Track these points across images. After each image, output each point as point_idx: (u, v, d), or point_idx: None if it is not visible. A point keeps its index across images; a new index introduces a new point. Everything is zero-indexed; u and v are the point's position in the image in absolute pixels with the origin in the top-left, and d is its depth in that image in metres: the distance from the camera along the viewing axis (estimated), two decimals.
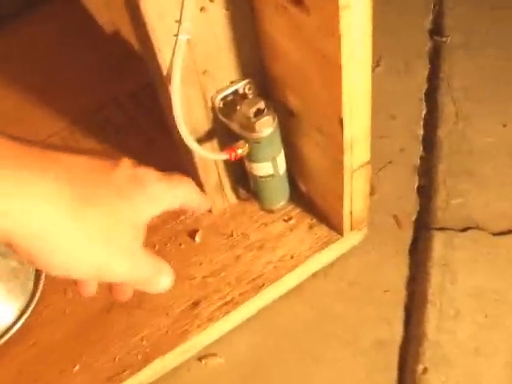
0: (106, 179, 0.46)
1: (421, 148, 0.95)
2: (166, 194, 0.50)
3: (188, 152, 0.77)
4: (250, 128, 0.71)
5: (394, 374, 0.77)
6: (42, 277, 0.83)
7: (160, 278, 0.52)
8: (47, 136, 0.98)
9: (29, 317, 0.81)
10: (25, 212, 0.41)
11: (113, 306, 0.80)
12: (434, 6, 1.12)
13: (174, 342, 0.77)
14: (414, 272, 0.84)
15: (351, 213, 0.78)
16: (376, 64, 1.04)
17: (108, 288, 0.54)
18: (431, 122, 0.97)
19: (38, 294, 0.82)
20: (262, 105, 0.71)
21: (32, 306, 0.81)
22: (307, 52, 0.62)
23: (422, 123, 0.97)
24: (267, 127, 0.71)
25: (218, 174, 0.81)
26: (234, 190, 0.85)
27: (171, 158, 0.89)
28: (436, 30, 1.08)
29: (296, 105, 0.72)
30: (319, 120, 0.70)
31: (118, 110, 1.00)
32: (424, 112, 0.99)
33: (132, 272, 0.49)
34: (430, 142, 0.95)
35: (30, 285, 0.83)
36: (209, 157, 0.73)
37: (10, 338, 0.79)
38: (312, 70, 0.64)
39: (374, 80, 1.03)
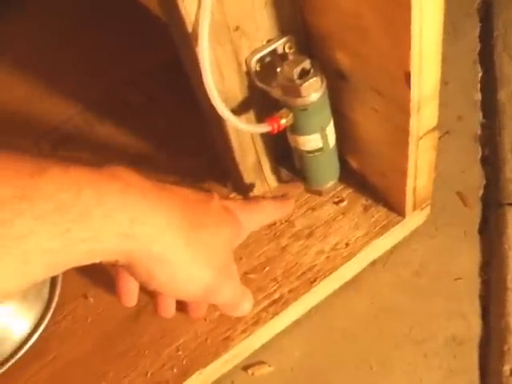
0: (207, 209, 0.53)
1: (480, 115, 0.83)
2: (252, 221, 0.60)
3: (220, 128, 0.66)
4: (295, 92, 0.60)
5: (475, 376, 0.66)
6: (59, 281, 0.72)
7: (245, 302, 0.60)
8: (60, 123, 0.87)
9: (46, 328, 0.69)
10: (149, 236, 0.46)
11: (142, 312, 0.69)
12: None
13: (214, 352, 0.65)
14: (487, 256, 0.72)
15: (415, 189, 0.67)
16: None
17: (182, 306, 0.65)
18: (489, 86, 0.85)
19: (54, 302, 0.71)
20: (307, 64, 0.60)
21: (49, 315, 0.70)
22: None
23: (478, 87, 0.85)
24: (315, 90, 0.60)
25: (256, 152, 0.70)
26: (274, 171, 0.73)
27: (199, 139, 0.79)
28: None
29: (348, 64, 0.61)
30: (378, 79, 0.58)
31: (135, 91, 0.89)
32: (480, 75, 0.87)
33: (232, 294, 0.57)
34: (490, 108, 0.83)
35: (46, 291, 0.72)
36: (247, 129, 0.62)
37: (26, 352, 0.68)
38: (370, 17, 0.52)
39: None
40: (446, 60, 0.88)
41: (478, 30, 0.91)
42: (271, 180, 0.74)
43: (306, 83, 0.59)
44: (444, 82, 0.86)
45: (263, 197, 0.64)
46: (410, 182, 0.65)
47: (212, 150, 0.73)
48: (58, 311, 0.71)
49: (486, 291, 0.70)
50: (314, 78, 0.59)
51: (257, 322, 0.66)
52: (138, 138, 0.83)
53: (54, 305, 0.71)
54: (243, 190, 0.73)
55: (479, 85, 0.86)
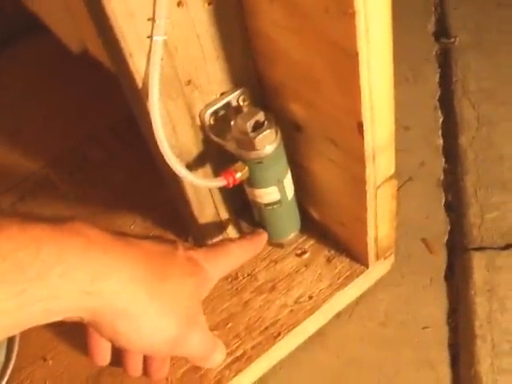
0: (171, 261, 0.52)
1: (443, 160, 0.83)
2: (219, 267, 0.58)
3: (177, 183, 0.65)
4: (249, 145, 0.59)
5: None
6: (16, 344, 0.69)
7: (216, 353, 0.58)
8: (21, 179, 0.86)
9: None
10: (112, 292, 0.45)
11: (102, 373, 0.67)
12: (435, 8, 1.02)
13: None
14: (454, 303, 0.71)
15: (376, 238, 0.66)
16: None
17: (144, 367, 0.62)
18: (451, 130, 0.86)
19: (11, 366, 0.68)
20: (261, 116, 0.59)
21: (4, 380, 0.67)
22: (314, 45, 0.51)
23: (440, 132, 0.86)
24: (269, 143, 0.59)
25: (215, 205, 0.69)
26: (234, 222, 0.72)
27: (158, 193, 0.78)
28: (441, 32, 0.98)
29: (302, 115, 0.61)
30: (333, 129, 0.58)
31: (96, 147, 0.88)
32: (441, 120, 0.87)
33: (201, 344, 0.55)
34: (452, 153, 0.83)
35: (2, 354, 0.69)
36: (202, 185, 0.61)
37: None
38: (320, 67, 0.52)
39: None
40: (406, 106, 0.90)
41: (438, 76, 0.92)
42: (231, 233, 0.72)
43: (260, 136, 0.58)
44: (405, 128, 0.86)
45: (230, 239, 0.62)
46: (370, 232, 0.64)
47: (171, 204, 0.72)
48: (15, 375, 0.68)
49: (455, 339, 0.69)
50: (268, 131, 0.59)
51: (220, 380, 0.64)
52: (98, 193, 0.82)
53: (10, 369, 0.67)
54: (204, 243, 0.72)
55: (440, 130, 0.86)
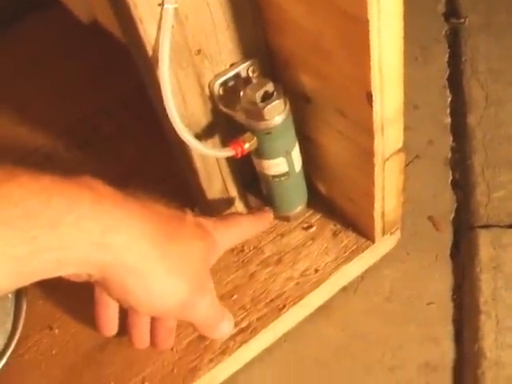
0: (180, 224, 0.52)
1: (451, 138, 0.83)
2: (227, 238, 0.58)
3: (185, 153, 0.65)
4: (258, 116, 0.59)
5: None
6: (23, 313, 0.70)
7: (224, 324, 0.58)
8: (30, 152, 0.86)
9: (8, 361, 0.67)
10: (122, 246, 0.45)
11: (108, 343, 0.67)
12: None
13: (181, 382, 0.63)
14: (459, 279, 0.71)
15: (383, 213, 0.66)
16: None
17: (150, 337, 0.62)
18: (459, 109, 0.85)
19: (17, 334, 0.68)
20: (270, 87, 0.59)
21: (11, 347, 0.67)
22: (323, 13, 0.50)
23: (448, 111, 0.85)
24: (278, 113, 0.59)
25: (223, 178, 0.69)
26: (241, 197, 0.72)
27: (167, 165, 0.78)
28: (451, 13, 0.97)
29: (312, 86, 0.60)
30: (341, 100, 0.58)
31: (105, 119, 0.88)
32: (449, 99, 0.87)
33: (209, 310, 0.55)
34: (460, 131, 0.83)
35: (9, 323, 0.69)
36: (210, 154, 0.61)
37: None
38: (330, 36, 0.52)
39: None
40: (415, 84, 0.89)
41: (447, 56, 0.92)
42: (239, 206, 0.72)
43: (269, 106, 0.58)
44: (414, 107, 0.86)
45: (239, 213, 0.63)
46: (377, 206, 0.64)
47: (180, 177, 0.72)
48: (22, 343, 0.69)
49: (459, 315, 0.69)
50: (277, 101, 0.59)
51: (224, 351, 0.65)
52: (106, 165, 0.82)
53: (16, 337, 0.68)
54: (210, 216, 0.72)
55: (449, 109, 0.86)
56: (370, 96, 0.53)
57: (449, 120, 0.85)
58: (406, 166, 0.80)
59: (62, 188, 0.43)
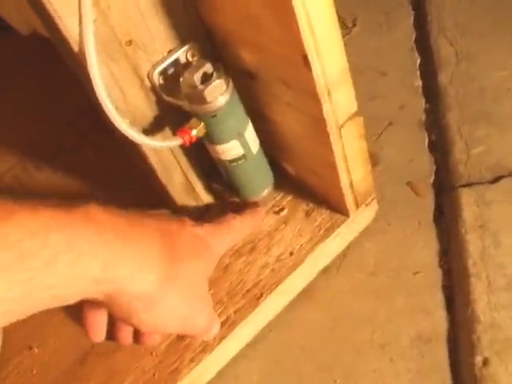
0: (181, 241, 0.52)
1: (423, 101, 0.79)
2: (223, 244, 0.60)
3: (137, 151, 0.62)
4: (200, 99, 0.57)
5: (446, 374, 0.60)
6: (0, 336, 0.68)
7: (213, 327, 0.59)
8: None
9: None
10: (124, 278, 0.45)
11: (87, 355, 0.65)
12: None
13: None
14: (445, 244, 0.67)
15: (351, 184, 0.63)
16: (352, 24, 0.89)
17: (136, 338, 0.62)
18: (429, 70, 0.82)
19: None
20: (208, 68, 0.57)
21: None
22: None
23: (418, 74, 0.82)
24: (221, 93, 0.57)
25: (182, 171, 0.66)
26: (206, 188, 0.69)
27: (133, 173, 0.76)
28: None
29: (252, 61, 0.58)
30: (282, 70, 0.55)
31: (69, 132, 0.86)
32: (418, 61, 0.83)
33: (207, 322, 0.56)
34: (432, 92, 0.79)
35: None
36: (157, 146, 0.58)
37: None
38: (256, 2, 0.50)
39: (354, 41, 0.90)
40: (382, 52, 0.86)
41: (412, 18, 0.88)
42: (206, 197, 0.70)
43: (209, 87, 0.56)
44: (382, 74, 0.82)
45: (232, 215, 0.61)
46: (343, 177, 0.61)
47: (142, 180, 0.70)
48: (3, 368, 0.67)
49: (448, 281, 0.65)
50: (218, 81, 0.56)
51: (204, 349, 0.62)
52: (74, 178, 0.80)
53: None
54: (181, 213, 0.69)
55: (418, 71, 0.82)
56: (306, 59, 0.50)
57: (419, 82, 0.81)
58: (379, 135, 0.77)
59: (61, 223, 0.42)
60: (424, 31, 0.86)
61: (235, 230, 0.62)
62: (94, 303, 0.57)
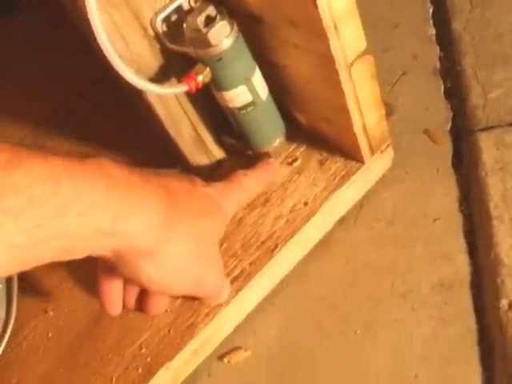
0: (191, 200, 0.51)
1: (437, 48, 0.77)
2: (234, 203, 0.58)
3: (146, 104, 0.61)
4: (204, 43, 0.55)
5: (471, 319, 0.58)
6: (14, 300, 0.67)
7: (224, 290, 0.59)
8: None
9: (5, 350, 0.64)
10: (135, 232, 0.44)
11: (102, 315, 0.64)
12: None
13: (179, 342, 0.59)
14: (465, 189, 0.65)
15: (365, 128, 0.61)
16: None
17: (141, 305, 0.59)
18: (442, 18, 0.79)
19: (11, 322, 0.65)
20: (211, 10, 0.55)
21: (6, 337, 0.65)
22: None
23: (431, 22, 0.79)
24: (225, 36, 0.55)
25: (192, 124, 0.65)
26: (217, 141, 0.68)
27: (143, 136, 0.75)
28: None
29: (257, 2, 0.56)
30: (288, 7, 0.53)
31: (81, 101, 0.85)
32: (431, 10, 0.81)
33: (217, 284, 0.56)
34: (446, 40, 0.77)
35: (2, 312, 0.67)
36: (162, 92, 0.57)
37: None
38: None
39: None
40: (394, 3, 0.84)
41: None
42: (217, 152, 0.68)
43: (213, 29, 0.54)
44: (394, 26, 0.80)
45: (243, 172, 0.60)
46: (356, 120, 0.59)
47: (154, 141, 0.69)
48: (19, 332, 0.66)
49: (470, 226, 0.63)
50: (221, 23, 0.55)
51: (221, 303, 0.60)
52: (86, 145, 0.79)
53: (11, 325, 0.65)
54: (192, 170, 0.68)
55: (431, 20, 0.79)
56: None
57: (433, 31, 0.78)
58: (393, 85, 0.75)
59: (73, 173, 0.41)
60: None
61: (246, 187, 0.60)
62: (108, 274, 0.56)
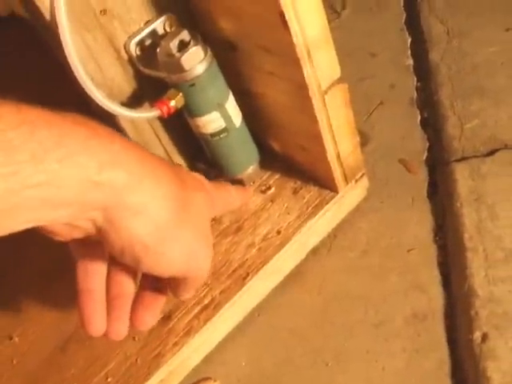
0: (180, 172, 0.46)
1: (414, 79, 0.77)
2: (219, 203, 0.52)
3: (115, 128, 0.61)
4: (177, 67, 0.55)
5: (444, 351, 0.57)
6: None
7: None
8: None
9: None
10: (126, 185, 0.39)
11: (68, 342, 0.62)
12: None
13: (146, 372, 0.58)
14: (440, 219, 0.65)
15: (339, 156, 0.60)
16: (342, 7, 0.87)
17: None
18: (420, 49, 0.80)
19: None
20: (185, 35, 0.55)
21: None
22: None
23: (409, 53, 0.80)
24: (199, 61, 0.55)
25: (165, 150, 0.64)
26: (191, 167, 0.67)
27: None
28: None
29: (232, 29, 0.56)
30: (262, 34, 0.53)
31: None
32: (409, 41, 0.81)
33: (209, 260, 0.49)
34: (423, 70, 0.77)
35: None
36: (134, 117, 0.56)
37: None
38: None
39: (344, 24, 0.88)
40: (371, 33, 0.84)
41: (402, 0, 0.87)
42: None
43: (186, 54, 0.54)
44: (371, 55, 0.81)
45: (226, 183, 0.57)
46: (330, 148, 0.59)
47: None
48: None
49: (444, 257, 0.63)
50: (194, 48, 0.54)
51: (188, 331, 0.59)
52: None
53: None
54: None
55: (409, 51, 0.80)
56: (283, 16, 0.48)
57: (410, 61, 0.79)
58: (370, 114, 0.75)
59: (49, 122, 0.36)
60: (414, 12, 0.84)
61: (230, 194, 0.56)
62: (88, 285, 0.51)
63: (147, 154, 0.42)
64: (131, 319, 0.52)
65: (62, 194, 0.36)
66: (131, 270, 0.48)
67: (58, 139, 0.36)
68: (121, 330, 0.50)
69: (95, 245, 0.46)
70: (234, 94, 0.60)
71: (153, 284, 0.49)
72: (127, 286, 0.49)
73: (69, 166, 0.36)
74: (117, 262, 0.45)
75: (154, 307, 0.51)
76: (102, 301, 0.49)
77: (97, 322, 0.49)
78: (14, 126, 0.34)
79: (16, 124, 0.34)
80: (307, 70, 0.52)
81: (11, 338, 0.65)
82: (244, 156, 0.63)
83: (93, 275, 0.48)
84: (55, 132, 0.36)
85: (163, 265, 0.46)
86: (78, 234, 0.41)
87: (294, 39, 0.50)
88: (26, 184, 0.35)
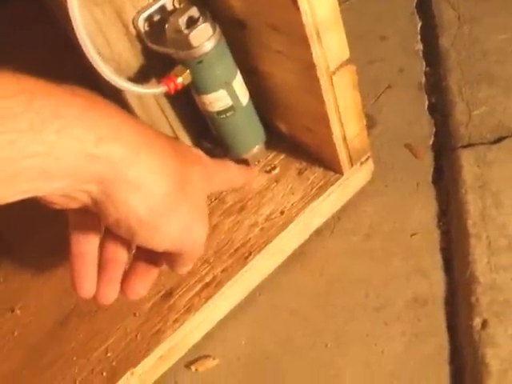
0: (179, 144, 0.46)
1: (423, 63, 0.76)
2: (216, 179, 0.51)
3: (122, 104, 0.60)
4: (185, 44, 0.54)
5: (443, 337, 0.57)
6: None
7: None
8: None
9: None
10: (125, 160, 0.38)
11: (69, 316, 0.63)
12: None
13: (145, 348, 0.58)
14: (444, 205, 0.65)
15: (345, 138, 0.60)
16: None
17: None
18: (430, 34, 0.79)
19: None
20: (194, 12, 0.54)
21: None
22: None
23: (419, 38, 0.79)
24: (207, 38, 0.54)
25: (172, 128, 0.64)
26: (196, 145, 0.67)
27: None
28: None
29: (242, 7, 0.55)
30: (271, 12, 0.52)
31: None
32: (419, 25, 0.81)
33: (204, 235, 0.48)
34: (433, 55, 0.77)
35: None
36: (140, 92, 0.56)
37: None
38: None
39: (354, 7, 0.87)
40: (381, 16, 0.84)
41: None
42: None
43: (195, 31, 0.54)
44: (381, 38, 0.80)
45: (229, 160, 0.56)
46: (336, 130, 0.59)
47: None
48: None
49: (447, 243, 0.62)
50: (203, 25, 0.54)
51: (189, 309, 0.59)
52: None
53: None
54: None
55: (419, 35, 0.79)
56: None
57: (420, 46, 0.78)
58: (377, 98, 0.74)
59: (47, 92, 0.36)
60: None
61: (230, 171, 0.55)
62: (80, 249, 0.51)
63: (146, 128, 0.42)
64: (122, 287, 0.51)
65: (60, 164, 0.36)
66: (125, 241, 0.47)
67: (55, 109, 0.35)
68: (110, 293, 0.50)
69: (92, 214, 0.45)
70: (242, 73, 0.60)
71: (147, 256, 0.49)
72: (120, 254, 0.48)
73: (66, 138, 0.36)
74: (112, 233, 0.45)
75: (147, 278, 0.51)
76: (93, 264, 0.49)
77: (87, 284, 0.49)
78: (12, 95, 0.34)
79: (15, 92, 0.34)
80: (316, 50, 0.52)
81: (13, 311, 0.66)
82: (250, 135, 0.63)
83: (86, 240, 0.48)
84: (53, 102, 0.35)
85: (157, 239, 0.46)
86: (74, 205, 0.41)
87: (304, 18, 0.49)
88: (24, 154, 0.35)
